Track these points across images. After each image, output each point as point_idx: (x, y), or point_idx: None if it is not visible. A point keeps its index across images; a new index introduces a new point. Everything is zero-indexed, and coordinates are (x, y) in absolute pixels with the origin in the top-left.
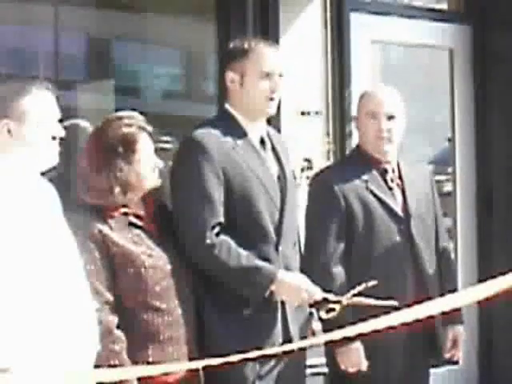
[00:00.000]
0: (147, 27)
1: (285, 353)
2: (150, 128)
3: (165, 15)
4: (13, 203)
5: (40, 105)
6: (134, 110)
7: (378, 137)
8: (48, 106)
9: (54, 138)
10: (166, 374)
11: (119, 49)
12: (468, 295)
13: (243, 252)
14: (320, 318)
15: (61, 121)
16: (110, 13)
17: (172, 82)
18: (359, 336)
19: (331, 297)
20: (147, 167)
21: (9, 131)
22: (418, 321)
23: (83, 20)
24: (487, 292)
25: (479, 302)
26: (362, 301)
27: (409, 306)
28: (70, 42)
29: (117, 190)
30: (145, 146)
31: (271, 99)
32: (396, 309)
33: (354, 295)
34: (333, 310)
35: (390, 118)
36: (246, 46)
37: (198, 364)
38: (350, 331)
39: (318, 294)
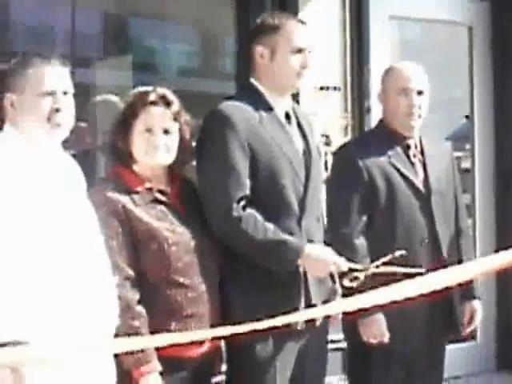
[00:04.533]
0: (164, 4)
1: (308, 322)
2: (174, 107)
3: None
4: (31, 178)
5: (40, 76)
6: (151, 86)
7: (409, 113)
8: (49, 77)
9: (57, 110)
10: (190, 344)
11: (136, 25)
12: (485, 264)
13: (270, 226)
14: (343, 286)
15: (78, 95)
16: None
17: (189, 59)
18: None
19: (358, 266)
20: (142, 140)
21: (12, 104)
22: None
23: None
24: (503, 261)
25: (497, 278)
26: (388, 269)
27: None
28: (87, 18)
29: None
30: (147, 118)
31: (301, 74)
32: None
33: (377, 266)
34: (357, 278)
35: (420, 93)
36: (276, 21)
37: (217, 332)
38: (369, 299)
39: (344, 265)
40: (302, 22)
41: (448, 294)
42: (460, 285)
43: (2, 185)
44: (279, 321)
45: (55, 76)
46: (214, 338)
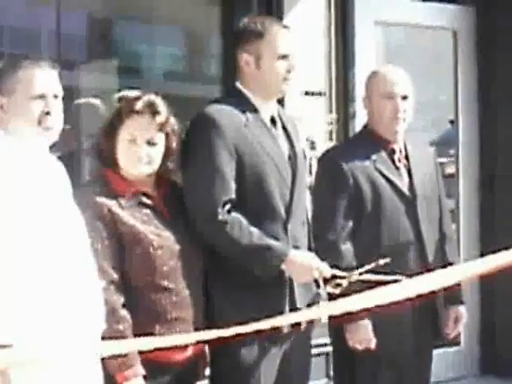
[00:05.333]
0: (150, 7)
1: (292, 326)
2: (161, 116)
3: None
4: (20, 180)
5: (30, 79)
6: (135, 90)
7: (393, 117)
8: (40, 80)
9: (47, 114)
10: (174, 348)
11: (122, 29)
12: (469, 269)
13: (255, 230)
14: (327, 293)
15: (63, 98)
16: None
17: (175, 62)
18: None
19: (341, 273)
20: (126, 150)
21: (1, 107)
22: (419, 296)
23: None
24: (487, 266)
25: (481, 282)
26: (371, 277)
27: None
28: (72, 21)
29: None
30: (131, 128)
31: (287, 80)
32: None
33: (361, 273)
34: (340, 285)
35: (404, 98)
36: (259, 27)
37: (202, 336)
38: (354, 303)
39: (328, 271)
40: (286, 27)
41: (433, 298)
42: (446, 289)
43: None
44: (264, 324)
45: (46, 79)
46: (198, 342)
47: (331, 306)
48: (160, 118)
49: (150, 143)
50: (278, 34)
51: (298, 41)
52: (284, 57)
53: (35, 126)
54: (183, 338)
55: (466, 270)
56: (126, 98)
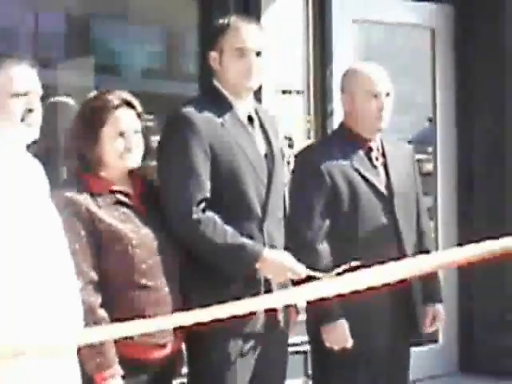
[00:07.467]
0: (127, 4)
1: (266, 311)
2: (137, 107)
3: None
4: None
5: (13, 77)
6: (113, 87)
7: (378, 116)
8: (22, 78)
9: (30, 111)
10: (151, 347)
11: (99, 26)
12: (446, 257)
13: (229, 229)
14: None
15: (43, 97)
16: None
17: (152, 60)
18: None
19: (316, 274)
20: (116, 145)
21: None
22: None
23: None
24: (465, 255)
25: (459, 278)
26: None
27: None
28: (49, 19)
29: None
30: (117, 122)
31: (249, 77)
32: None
33: (338, 274)
34: None
35: (387, 95)
36: (224, 23)
37: (179, 320)
38: (325, 288)
39: (303, 271)
40: (253, 24)
41: (410, 295)
42: (425, 286)
43: None
44: (238, 307)
45: (28, 77)
46: (174, 329)
47: (302, 291)
48: (138, 108)
49: (136, 132)
50: (238, 29)
51: (276, 39)
52: (243, 52)
53: (18, 123)
54: (159, 323)
55: (444, 257)
56: (99, 98)
